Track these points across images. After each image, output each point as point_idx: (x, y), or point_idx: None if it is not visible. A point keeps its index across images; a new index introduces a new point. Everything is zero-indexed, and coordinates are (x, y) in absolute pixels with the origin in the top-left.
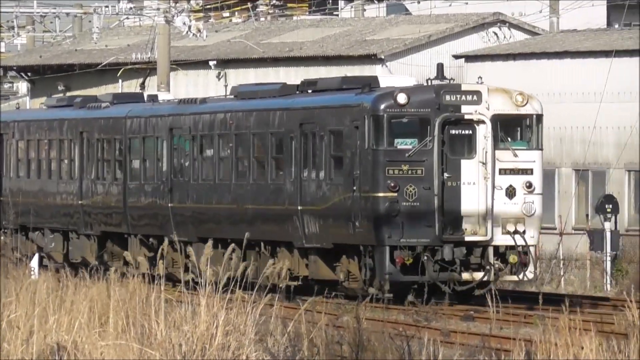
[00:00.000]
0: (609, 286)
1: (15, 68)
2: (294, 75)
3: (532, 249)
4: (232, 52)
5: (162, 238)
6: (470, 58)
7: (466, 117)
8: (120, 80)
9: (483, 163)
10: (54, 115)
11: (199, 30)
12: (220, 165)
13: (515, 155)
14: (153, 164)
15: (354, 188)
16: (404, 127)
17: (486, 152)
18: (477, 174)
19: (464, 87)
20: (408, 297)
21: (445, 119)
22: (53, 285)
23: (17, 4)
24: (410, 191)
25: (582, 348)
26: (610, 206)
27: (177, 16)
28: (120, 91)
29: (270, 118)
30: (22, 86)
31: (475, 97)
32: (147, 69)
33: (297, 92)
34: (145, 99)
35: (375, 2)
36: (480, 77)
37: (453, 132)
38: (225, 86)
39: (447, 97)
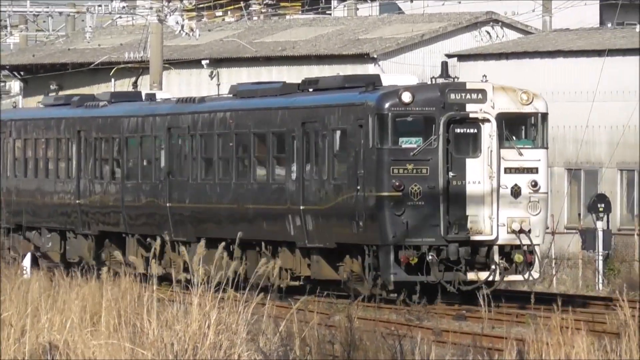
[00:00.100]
0: (601, 285)
1: (8, 67)
2: (286, 75)
3: (537, 249)
4: (224, 51)
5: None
6: (463, 57)
7: (471, 115)
8: (113, 80)
9: (488, 164)
10: (51, 114)
11: (191, 30)
12: (220, 165)
13: (521, 154)
14: (151, 163)
15: (358, 187)
16: (409, 125)
17: (491, 151)
18: (482, 173)
19: (468, 86)
20: (413, 297)
21: (450, 117)
22: (45, 284)
23: (10, 3)
24: (415, 190)
25: (574, 347)
26: (603, 205)
27: (170, 15)
28: (113, 90)
29: (272, 117)
30: (15, 85)
31: (480, 96)
32: (139, 68)
33: (298, 90)
34: (143, 97)
35: (368, 1)
36: (484, 76)
37: (458, 130)
38: (218, 85)
39: (452, 96)
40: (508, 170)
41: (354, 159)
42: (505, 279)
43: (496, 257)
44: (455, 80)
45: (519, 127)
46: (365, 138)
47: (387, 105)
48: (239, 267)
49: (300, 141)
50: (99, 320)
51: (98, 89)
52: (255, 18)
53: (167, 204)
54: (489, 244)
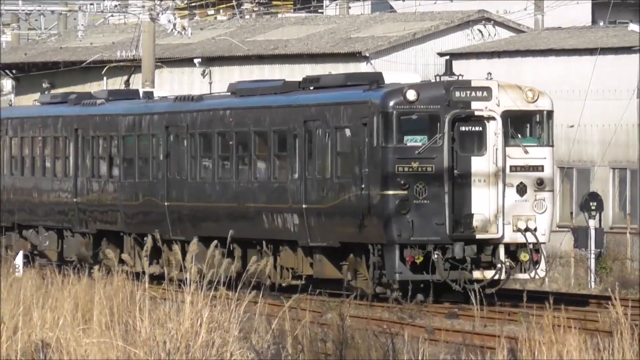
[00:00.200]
0: (593, 284)
1: (0, 65)
2: (278, 73)
3: (543, 247)
4: (216, 49)
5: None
6: (455, 56)
7: (476, 113)
8: (105, 78)
9: (494, 162)
10: (48, 112)
11: (183, 28)
12: (219, 163)
13: (526, 152)
14: (149, 162)
15: (362, 186)
16: (414, 124)
17: (497, 149)
18: (488, 171)
19: (473, 83)
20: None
21: (455, 115)
22: (38, 282)
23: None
24: (420, 189)
25: (566, 345)
26: (595, 204)
27: (162, 14)
28: (105, 88)
29: (273, 115)
30: (7, 84)
31: (485, 93)
32: (131, 66)
33: (299, 88)
34: (141, 95)
35: None
36: (489, 73)
37: (463, 128)
38: (210, 84)
39: (457, 94)
40: (514, 169)
41: (358, 158)
42: (511, 277)
43: (502, 256)
44: (460, 78)
45: (524, 124)
46: (369, 136)
47: (391, 103)
48: (231, 265)
49: (302, 139)
50: (91, 318)
51: (90, 88)
52: (247, 16)
53: (165, 203)
54: (495, 243)
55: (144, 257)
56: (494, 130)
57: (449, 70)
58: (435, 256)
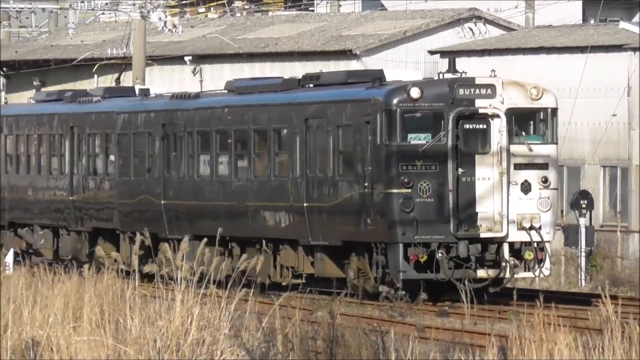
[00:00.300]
0: (583, 282)
1: None
2: (269, 71)
3: (548, 245)
4: (207, 47)
5: (154, 235)
6: (446, 54)
7: (480, 111)
8: (95, 76)
9: (498, 160)
10: (44, 109)
11: (174, 26)
12: (218, 161)
13: (531, 150)
14: (145, 160)
15: (365, 184)
16: (418, 121)
17: (501, 146)
18: (492, 169)
19: (477, 81)
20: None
21: (459, 113)
22: (28, 280)
23: None
24: (424, 187)
25: (556, 343)
26: (585, 202)
27: (153, 11)
28: (96, 86)
29: (273, 113)
30: None
31: (489, 91)
32: (122, 64)
33: (299, 86)
34: (137, 93)
35: None
36: (493, 70)
37: (467, 126)
38: (201, 82)
39: (461, 91)
40: (518, 166)
41: (360, 156)
42: (516, 276)
43: (506, 254)
44: (463, 75)
45: (528, 122)
46: (372, 134)
47: (395, 101)
48: (222, 263)
49: (303, 137)
50: (81, 317)
51: (81, 85)
52: (238, 14)
53: (162, 201)
54: (499, 241)
55: (134, 255)
56: (498, 128)
57: (452, 67)
58: (440, 255)
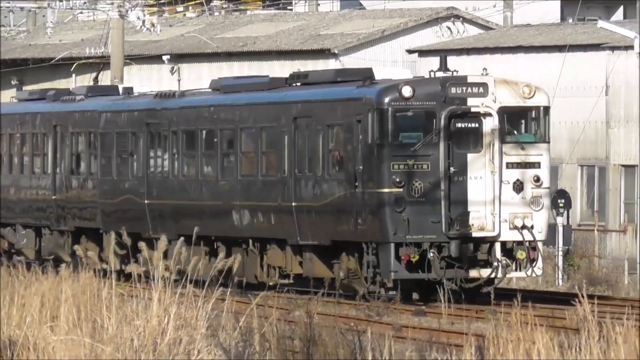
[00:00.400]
0: (561, 281)
1: None
2: (247, 70)
3: (540, 245)
4: (185, 46)
5: (138, 235)
6: (424, 53)
7: (472, 109)
8: (74, 75)
9: (490, 159)
10: (26, 108)
11: (152, 25)
12: (203, 160)
13: (523, 149)
14: (128, 159)
15: (356, 184)
16: (409, 120)
17: (493, 145)
18: (484, 168)
19: (470, 79)
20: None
21: (452, 112)
22: (5, 280)
23: None
24: (416, 186)
25: (534, 343)
26: (563, 201)
27: (131, 11)
28: (74, 85)
29: (261, 112)
30: None
31: (481, 89)
32: (100, 63)
33: (287, 85)
34: (121, 92)
35: None
36: (485, 69)
37: (459, 125)
38: (179, 81)
39: (453, 90)
40: (510, 165)
41: (351, 155)
42: (508, 276)
43: (498, 254)
44: (455, 74)
45: (520, 121)
46: (364, 133)
47: (387, 99)
48: (199, 262)
49: (292, 136)
50: (58, 316)
51: (59, 85)
52: (216, 13)
53: (145, 201)
54: (491, 241)
55: (110, 254)
56: (491, 127)
57: (443, 66)
58: (431, 254)
